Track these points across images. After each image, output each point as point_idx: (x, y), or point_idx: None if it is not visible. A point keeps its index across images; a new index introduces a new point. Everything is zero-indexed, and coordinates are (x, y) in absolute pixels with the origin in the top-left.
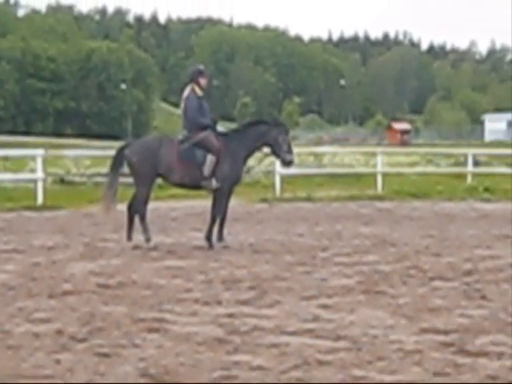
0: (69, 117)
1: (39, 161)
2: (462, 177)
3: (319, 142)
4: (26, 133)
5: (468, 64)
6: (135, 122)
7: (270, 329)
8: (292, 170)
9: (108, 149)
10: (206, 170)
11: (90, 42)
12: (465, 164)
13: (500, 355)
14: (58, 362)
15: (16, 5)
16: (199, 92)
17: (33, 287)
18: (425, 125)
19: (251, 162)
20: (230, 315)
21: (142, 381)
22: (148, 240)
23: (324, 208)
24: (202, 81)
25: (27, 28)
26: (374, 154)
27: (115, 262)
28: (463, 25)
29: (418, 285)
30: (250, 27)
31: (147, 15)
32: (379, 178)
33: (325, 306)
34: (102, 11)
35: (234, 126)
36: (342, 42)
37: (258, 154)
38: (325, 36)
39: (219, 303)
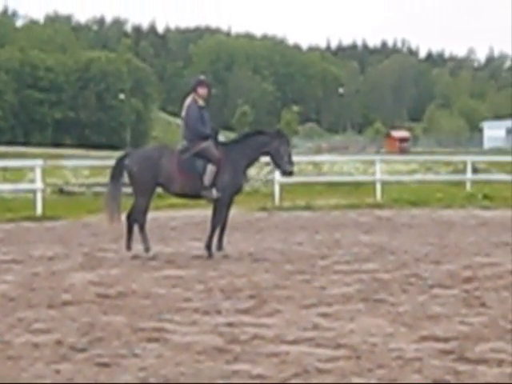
0: (67, 127)
1: (38, 171)
2: (461, 184)
3: (318, 151)
4: (25, 143)
5: (466, 71)
6: (134, 131)
7: (269, 338)
8: (291, 179)
9: (107, 159)
10: (207, 179)
11: (88, 52)
12: (464, 171)
13: (500, 362)
14: (57, 372)
15: (14, 15)
16: (200, 102)
17: (32, 297)
18: (424, 132)
19: (252, 171)
20: (230, 324)
21: None
22: (147, 250)
23: (323, 216)
24: (201, 90)
25: (25, 38)
26: (372, 162)
27: (115, 271)
28: (461, 32)
29: (418, 293)
30: (249, 36)
31: (145, 25)
32: (378, 186)
33: (324, 315)
34: (100, 21)
35: (232, 134)
36: (341, 51)
37: (257, 164)
38: (323, 44)
39: (219, 312)
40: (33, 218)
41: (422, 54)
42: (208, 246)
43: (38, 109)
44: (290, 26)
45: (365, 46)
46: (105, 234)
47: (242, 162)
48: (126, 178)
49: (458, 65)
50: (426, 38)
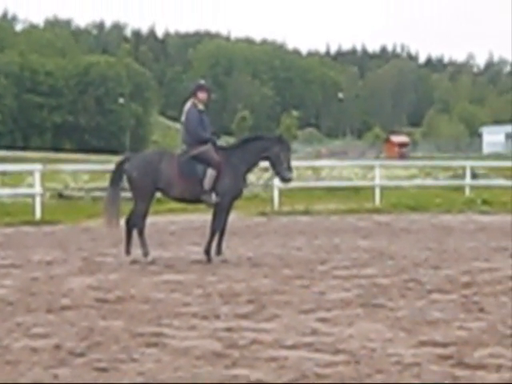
0: (67, 131)
1: (37, 175)
2: (460, 189)
3: (317, 156)
4: (24, 147)
5: (466, 77)
6: (133, 136)
7: (268, 342)
8: (290, 184)
9: (106, 163)
10: (207, 183)
11: (87, 56)
12: (463, 177)
13: (498, 368)
14: (56, 376)
15: (14, 19)
16: (200, 106)
17: (31, 302)
18: (423, 137)
19: (251, 177)
20: (229, 329)
21: None
22: (146, 254)
23: (322, 221)
24: (201, 95)
25: (25, 43)
26: (372, 168)
27: (113, 276)
28: (461, 37)
29: (417, 298)
30: (248, 41)
31: (145, 29)
32: (377, 191)
33: (323, 320)
34: (100, 26)
35: (232, 139)
36: (340, 56)
37: (256, 169)
38: (323, 49)
39: (217, 317)
40: (32, 223)
41: (422, 59)
42: (207, 251)
43: (37, 113)
44: (289, 31)
45: (364, 51)
46: (104, 238)
47: (242, 166)
48: (125, 183)
49: (458, 70)
50: (426, 43)
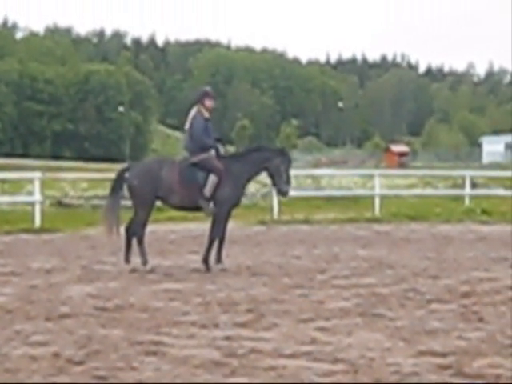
0: (66, 139)
1: (37, 183)
2: (459, 199)
3: (317, 165)
4: (24, 155)
5: (466, 86)
6: (133, 144)
7: (267, 352)
8: (290, 193)
9: (105, 171)
10: (207, 190)
11: (87, 64)
12: (462, 186)
13: (497, 378)
14: None
15: (14, 27)
16: (205, 113)
17: (30, 310)
18: (423, 147)
19: (251, 187)
20: (228, 338)
21: None
22: (145, 263)
23: (322, 230)
24: (208, 102)
25: (25, 50)
26: (371, 177)
27: (112, 284)
28: (461, 47)
29: (416, 307)
30: (248, 50)
31: (145, 38)
32: (377, 201)
33: (322, 329)
34: (100, 34)
35: (232, 148)
36: (340, 65)
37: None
38: (323, 58)
39: (216, 326)
40: (31, 231)
41: (422, 68)
42: (205, 260)
43: (37, 121)
44: (289, 40)
45: (364, 60)
46: (103, 246)
47: (242, 176)
48: (125, 192)
49: (458, 79)
50: (426, 53)
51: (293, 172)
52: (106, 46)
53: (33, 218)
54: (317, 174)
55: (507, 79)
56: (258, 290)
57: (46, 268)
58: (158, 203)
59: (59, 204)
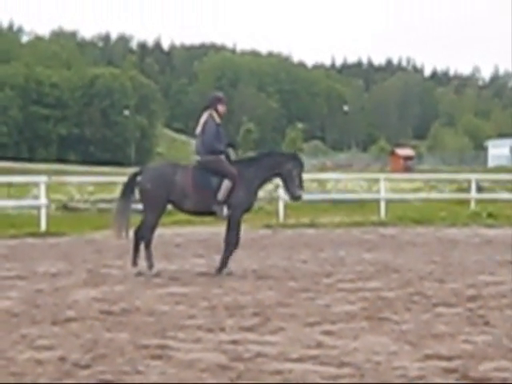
0: (72, 143)
1: (42, 187)
2: (465, 203)
3: (323, 168)
4: (30, 159)
5: (471, 90)
6: (138, 148)
7: (273, 355)
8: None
9: (111, 175)
10: (221, 194)
11: (93, 68)
12: (468, 190)
13: (503, 381)
14: None
15: (20, 31)
16: (217, 119)
17: (36, 314)
18: (428, 150)
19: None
20: (234, 342)
21: None
22: (150, 267)
23: (327, 234)
24: (221, 108)
25: (31, 54)
26: (377, 180)
27: (118, 288)
28: (466, 51)
29: (422, 311)
30: (254, 53)
31: (150, 41)
32: (382, 204)
33: (328, 333)
34: (106, 37)
35: (238, 152)
36: (346, 68)
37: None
38: (328, 62)
39: (222, 330)
40: (37, 234)
41: (427, 72)
42: (224, 264)
43: (42, 125)
44: (295, 44)
45: (370, 64)
46: (109, 250)
47: (255, 181)
48: (136, 195)
49: (463, 83)
50: (431, 56)
51: None
52: (112, 50)
53: (39, 222)
54: (322, 178)
55: None
56: (264, 293)
57: (51, 272)
58: (169, 207)
59: (65, 208)
